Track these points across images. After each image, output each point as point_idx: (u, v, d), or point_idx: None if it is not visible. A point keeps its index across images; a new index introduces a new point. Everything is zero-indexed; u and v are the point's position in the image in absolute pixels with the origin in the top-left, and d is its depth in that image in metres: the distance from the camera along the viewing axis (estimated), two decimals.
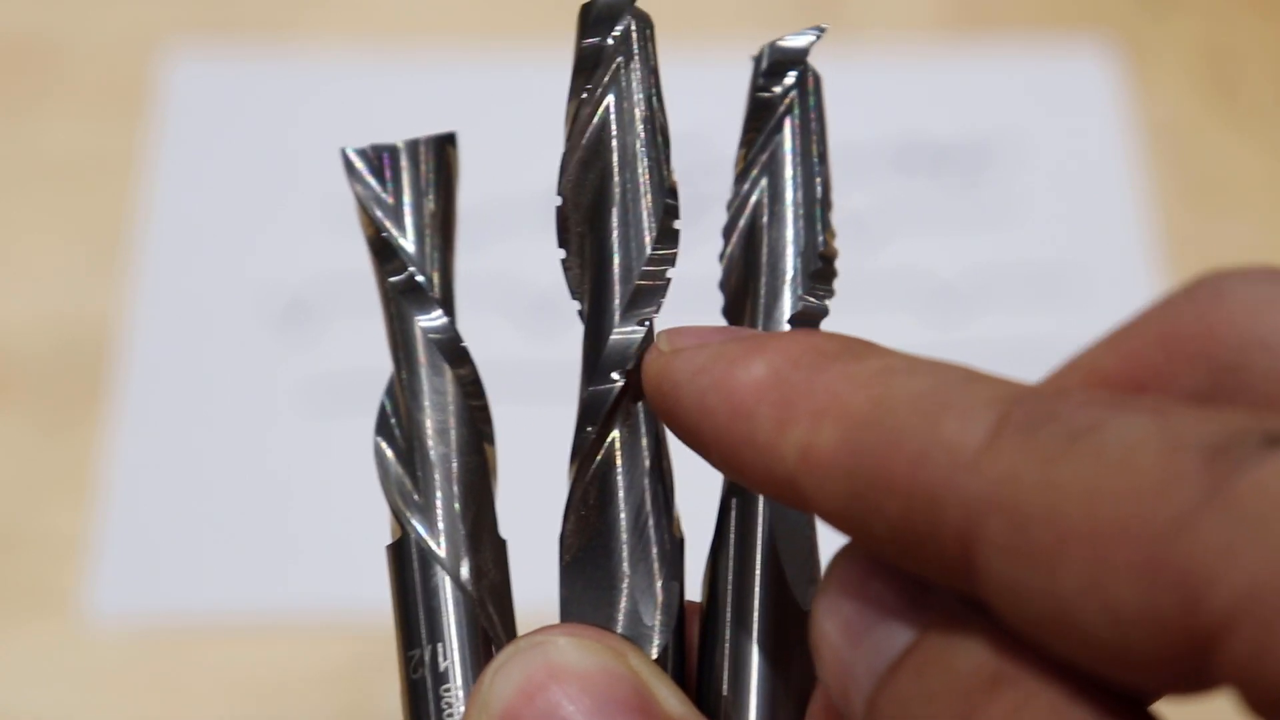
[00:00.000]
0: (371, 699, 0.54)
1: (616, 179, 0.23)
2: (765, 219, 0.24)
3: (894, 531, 0.18)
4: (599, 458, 0.23)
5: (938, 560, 0.18)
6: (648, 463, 0.23)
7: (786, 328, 0.24)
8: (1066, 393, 0.18)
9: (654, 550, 0.23)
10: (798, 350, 0.20)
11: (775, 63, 0.24)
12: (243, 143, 0.66)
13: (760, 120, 0.24)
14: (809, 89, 0.24)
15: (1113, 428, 0.16)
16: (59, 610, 0.55)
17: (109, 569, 0.56)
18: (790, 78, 0.24)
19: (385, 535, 0.61)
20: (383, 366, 0.66)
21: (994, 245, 0.64)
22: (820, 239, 0.24)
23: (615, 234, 0.23)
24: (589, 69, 0.23)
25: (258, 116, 0.67)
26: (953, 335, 0.61)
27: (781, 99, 0.24)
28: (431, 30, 0.69)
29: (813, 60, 0.24)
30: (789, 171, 0.24)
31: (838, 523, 0.19)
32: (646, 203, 0.23)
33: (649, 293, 0.22)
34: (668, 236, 0.23)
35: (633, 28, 0.23)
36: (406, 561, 0.23)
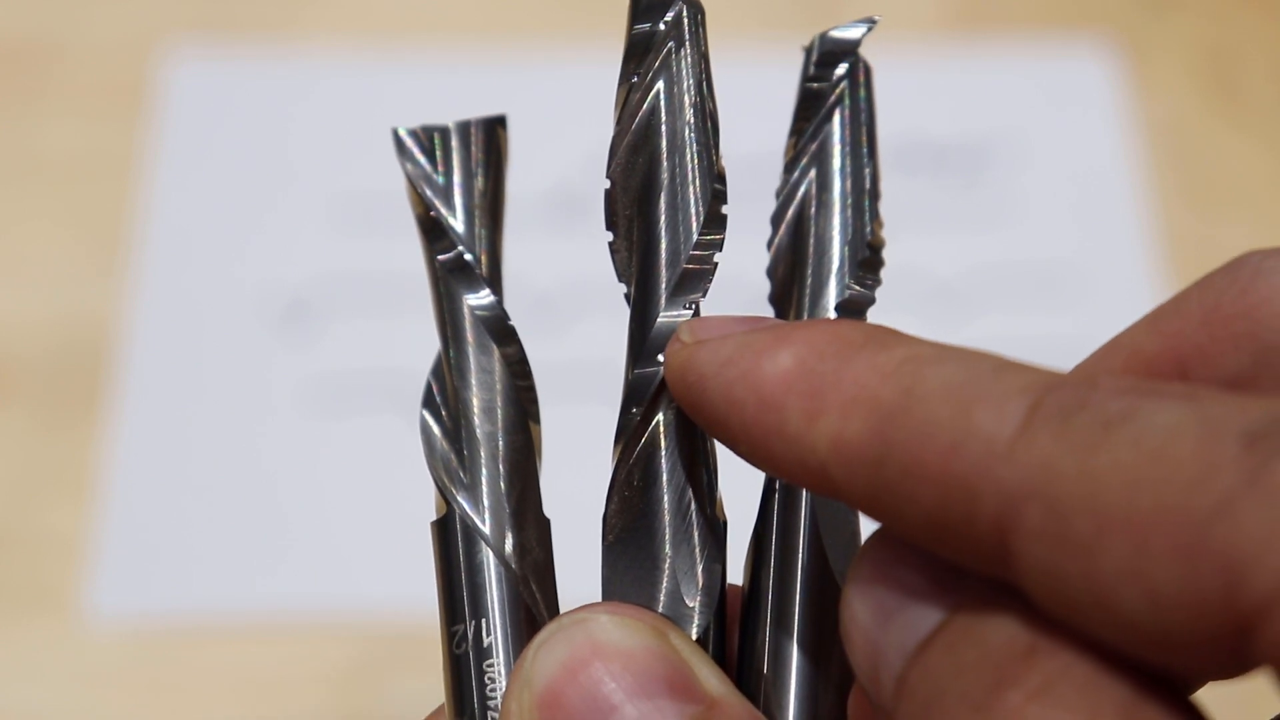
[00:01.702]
0: (370, 699, 0.54)
1: (665, 164, 0.23)
2: (813, 208, 0.24)
3: (928, 519, 0.18)
4: (644, 439, 0.23)
5: (972, 547, 0.18)
6: (692, 445, 0.23)
7: (833, 315, 0.24)
8: (1097, 380, 0.18)
9: (696, 532, 0.23)
10: (823, 340, 0.20)
11: (826, 53, 0.24)
12: (242, 142, 0.66)
13: (810, 110, 0.25)
14: (859, 80, 0.24)
15: (1147, 415, 0.17)
16: (58, 609, 0.55)
17: (108, 568, 0.56)
18: (841, 69, 0.24)
19: (384, 536, 0.61)
20: (382, 367, 0.66)
21: (994, 245, 0.64)
22: (868, 228, 0.24)
23: (663, 218, 0.23)
24: (640, 54, 0.23)
25: (257, 116, 0.67)
26: (953, 335, 0.61)
27: (832, 89, 0.24)
28: (431, 29, 0.69)
29: (864, 51, 0.25)
30: (838, 162, 0.24)
31: (871, 511, 0.19)
32: (695, 188, 0.23)
33: (695, 277, 0.23)
34: (715, 221, 0.23)
35: (684, 14, 0.23)
36: (451, 537, 0.23)
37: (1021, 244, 0.64)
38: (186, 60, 0.68)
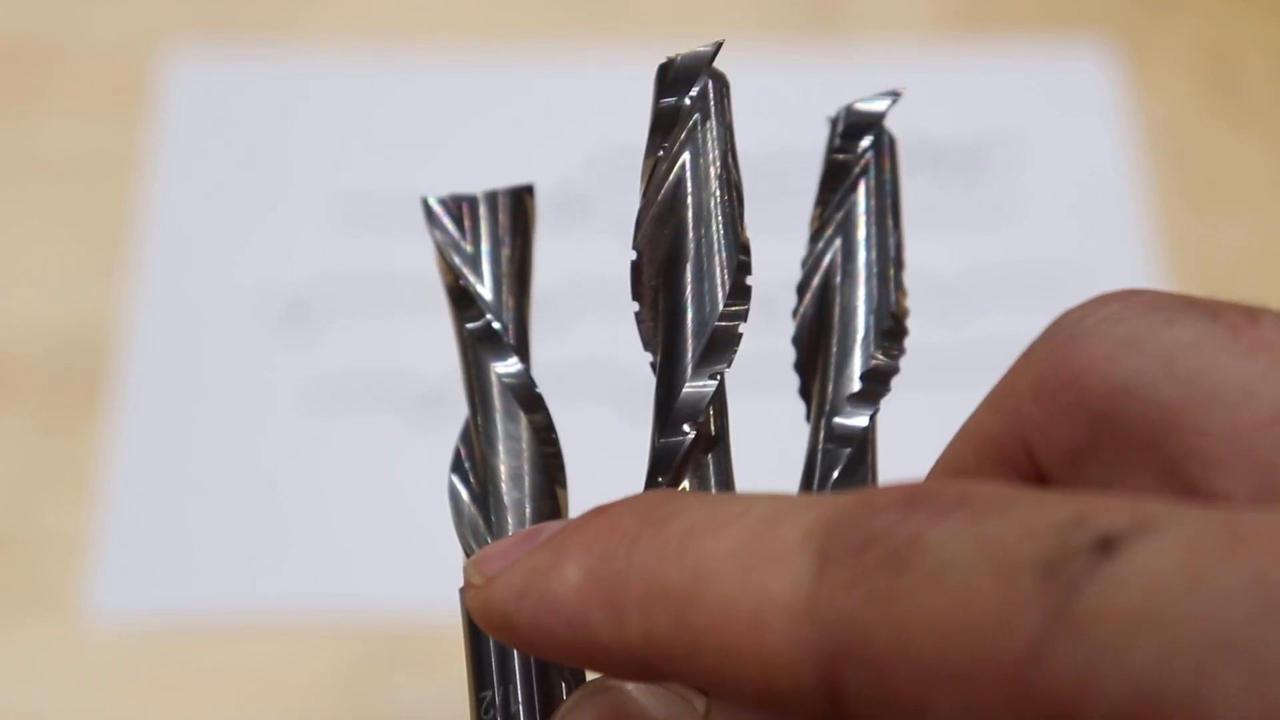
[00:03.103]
0: (372, 700, 0.54)
1: (691, 235, 0.23)
2: (839, 278, 0.25)
3: (761, 694, 0.18)
4: None
5: (811, 713, 0.17)
6: None
7: (858, 385, 0.24)
8: (873, 500, 0.17)
9: None
10: (600, 540, 0.19)
11: (851, 125, 0.25)
12: (242, 142, 0.66)
13: (835, 181, 0.25)
14: (884, 151, 0.25)
15: (934, 547, 0.16)
16: (59, 609, 0.55)
17: (109, 568, 0.56)
18: (866, 140, 0.25)
19: (385, 536, 0.61)
20: (382, 367, 0.66)
21: (994, 245, 0.64)
22: (893, 298, 0.24)
23: (689, 289, 0.23)
24: (666, 127, 0.23)
25: (257, 116, 0.67)
26: (953, 335, 0.61)
27: (857, 160, 0.25)
28: (432, 29, 0.69)
29: (888, 123, 0.25)
30: (863, 232, 0.25)
31: (712, 693, 0.19)
32: (720, 259, 0.23)
33: (721, 346, 0.23)
34: (740, 293, 0.23)
35: (710, 87, 0.23)
36: None
37: (1021, 244, 0.64)
38: (186, 60, 0.68)
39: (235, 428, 0.59)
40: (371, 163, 0.65)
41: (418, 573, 0.55)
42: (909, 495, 0.17)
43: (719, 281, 0.23)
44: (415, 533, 0.54)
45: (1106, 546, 0.15)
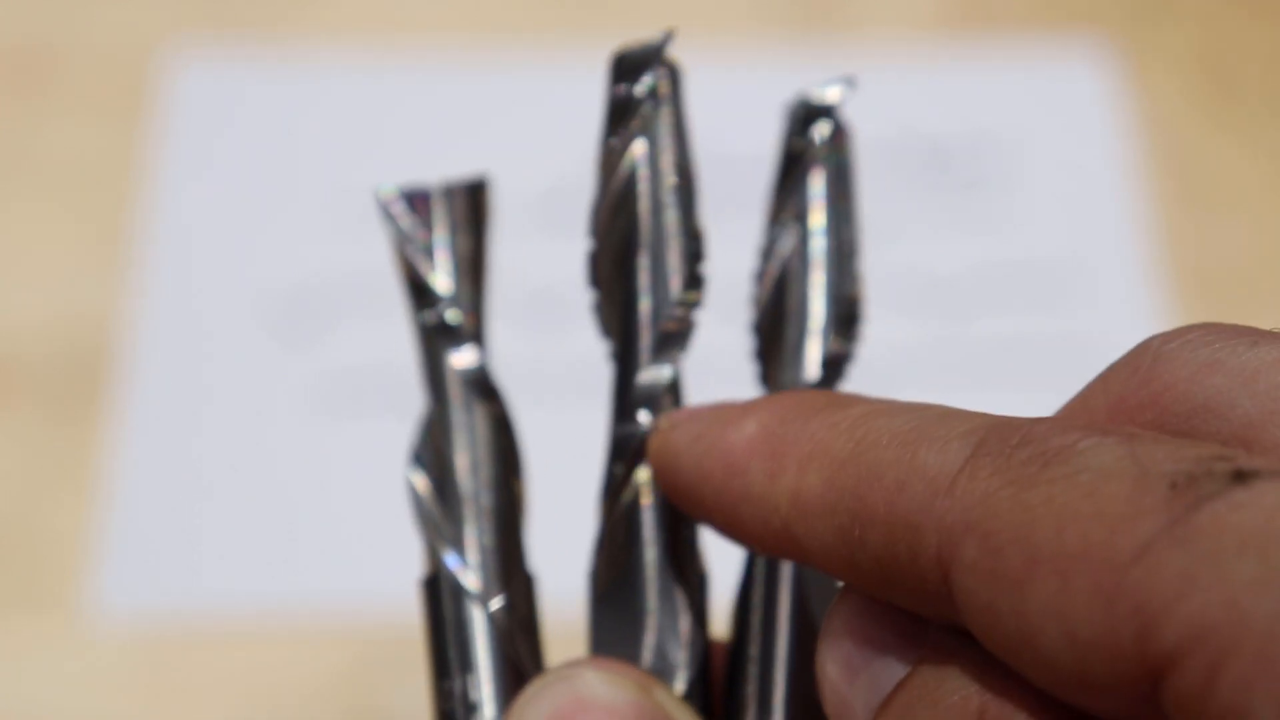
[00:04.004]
0: (376, 701, 0.54)
1: (645, 224, 0.23)
2: (795, 266, 0.25)
3: (878, 563, 0.18)
4: (627, 496, 0.23)
5: (920, 588, 0.18)
6: None
7: (816, 371, 0.24)
8: (1041, 419, 0.18)
9: (680, 586, 0.23)
10: (786, 406, 0.20)
11: (807, 114, 0.25)
12: (245, 143, 0.66)
13: (791, 169, 0.25)
14: (840, 140, 0.25)
15: (1085, 452, 0.17)
16: (61, 608, 0.55)
17: (113, 568, 0.56)
18: (821, 128, 0.25)
19: (389, 536, 0.61)
20: (386, 364, 0.66)
21: (993, 245, 0.64)
22: (848, 286, 0.24)
23: (643, 278, 0.23)
24: (620, 116, 0.23)
25: (260, 117, 0.67)
26: (952, 335, 0.61)
27: (813, 149, 0.25)
28: (434, 30, 0.69)
29: (842, 111, 0.25)
30: (819, 220, 0.25)
31: (829, 565, 0.19)
32: (674, 247, 0.23)
33: (676, 335, 0.23)
34: (694, 281, 0.23)
35: (663, 76, 0.23)
36: (439, 595, 0.24)
37: (1020, 244, 0.64)
38: (190, 62, 0.68)
39: (238, 427, 0.59)
40: (374, 163, 0.65)
41: (419, 573, 0.55)
42: (1079, 421, 0.18)
43: (673, 270, 0.23)
44: (417, 533, 0.55)
45: (1241, 476, 0.16)
